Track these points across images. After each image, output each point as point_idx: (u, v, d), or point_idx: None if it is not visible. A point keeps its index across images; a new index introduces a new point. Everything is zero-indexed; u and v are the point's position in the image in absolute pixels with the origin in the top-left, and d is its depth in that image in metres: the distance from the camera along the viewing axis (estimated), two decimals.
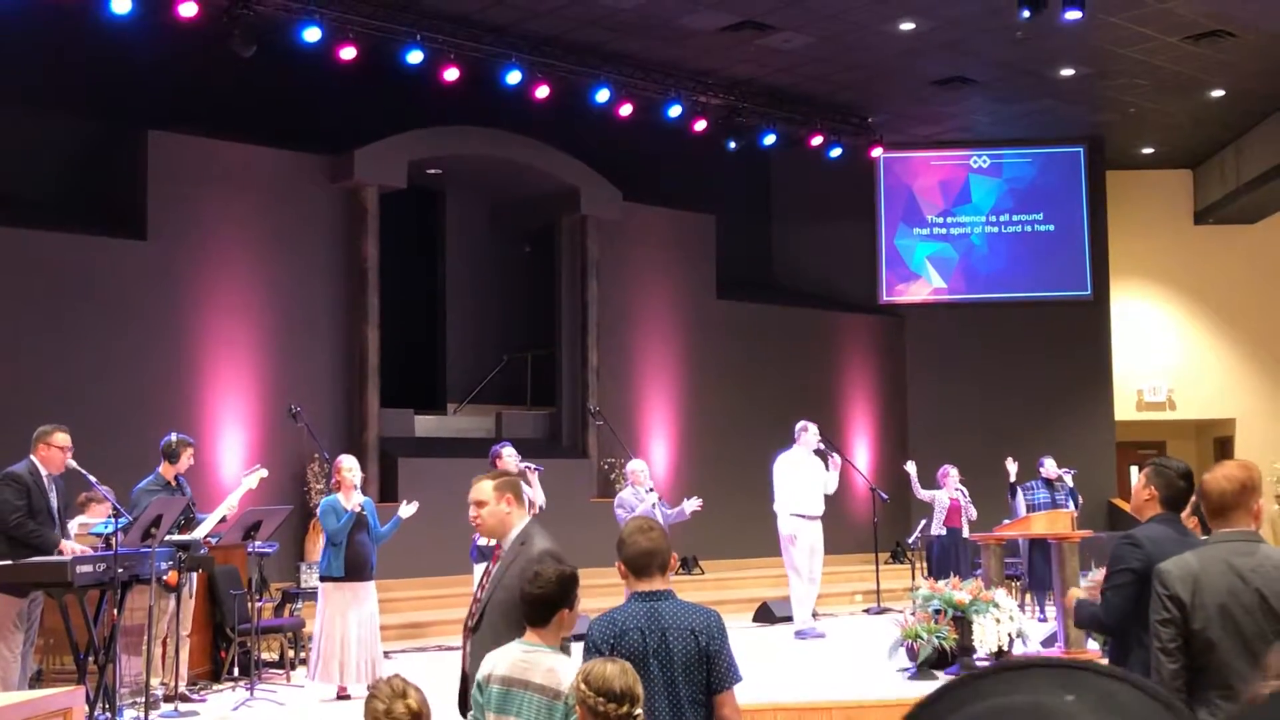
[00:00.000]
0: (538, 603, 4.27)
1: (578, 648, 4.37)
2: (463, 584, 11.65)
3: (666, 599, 4.18)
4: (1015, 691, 1.22)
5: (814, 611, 12.03)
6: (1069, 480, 13.26)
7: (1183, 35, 14.60)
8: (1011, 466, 13.33)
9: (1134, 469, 18.61)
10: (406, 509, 9.51)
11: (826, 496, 11.92)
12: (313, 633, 9.26)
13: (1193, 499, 4.93)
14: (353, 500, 9.11)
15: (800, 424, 11.89)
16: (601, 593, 13.19)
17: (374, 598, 9.20)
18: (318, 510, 9.52)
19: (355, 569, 9.03)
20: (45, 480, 7.87)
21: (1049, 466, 13.18)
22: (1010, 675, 1.24)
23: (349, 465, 9.34)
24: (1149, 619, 4.51)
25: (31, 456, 7.91)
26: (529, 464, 10.56)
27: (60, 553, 7.75)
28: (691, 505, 11.15)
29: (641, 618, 4.13)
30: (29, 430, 8.04)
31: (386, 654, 9.44)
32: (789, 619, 12.00)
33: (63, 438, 7.95)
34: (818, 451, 11.80)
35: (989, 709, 1.20)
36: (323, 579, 9.13)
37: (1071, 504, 12.84)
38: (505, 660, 4.29)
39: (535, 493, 10.46)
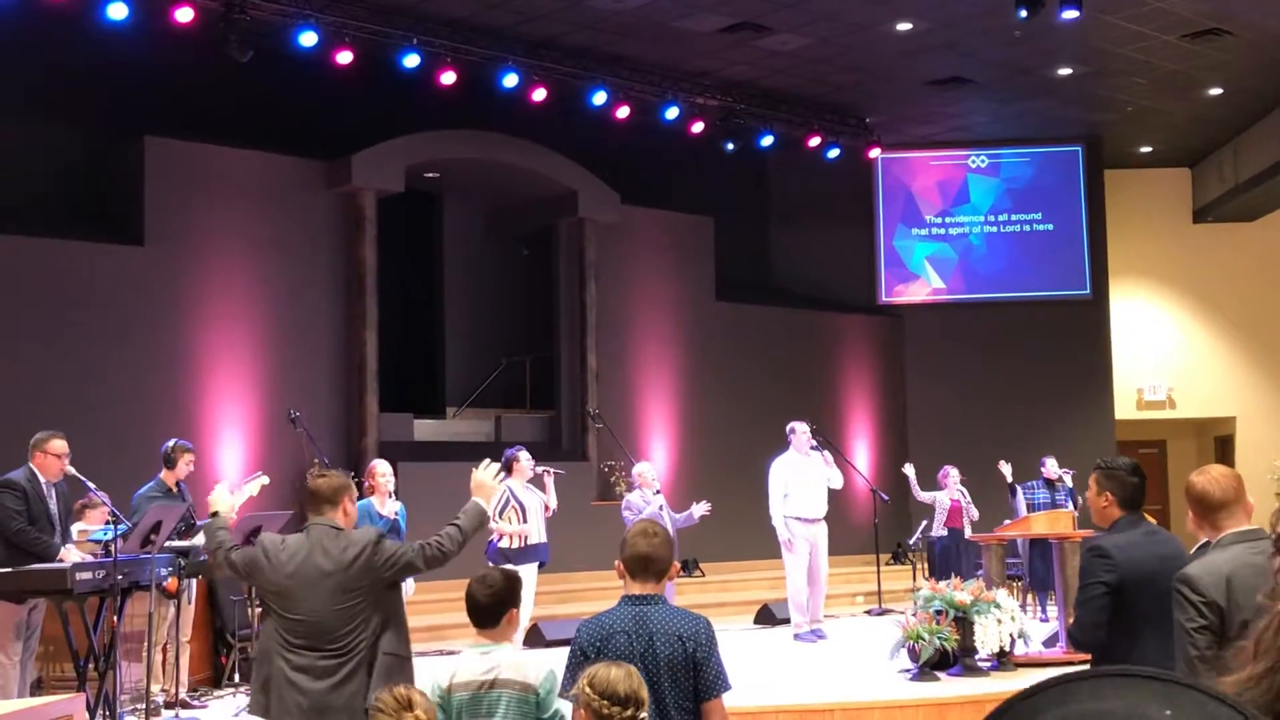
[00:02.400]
0: (490, 605, 4.32)
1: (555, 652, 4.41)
2: None
3: (656, 604, 4.14)
4: (1115, 699, 1.19)
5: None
6: (1069, 480, 13.26)
7: (1180, 34, 14.59)
8: (1005, 468, 13.32)
9: None
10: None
11: (833, 494, 11.85)
12: None
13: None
14: (388, 507, 9.10)
15: (789, 426, 11.82)
16: (603, 596, 13.16)
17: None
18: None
19: None
20: (44, 487, 7.85)
21: (1050, 466, 13.18)
22: (1113, 682, 1.22)
23: (384, 470, 9.32)
24: (1126, 629, 4.44)
25: (29, 464, 7.88)
26: (546, 467, 10.55)
27: (61, 560, 7.73)
28: (700, 510, 11.11)
29: (629, 621, 4.11)
30: (28, 437, 8.02)
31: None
32: (789, 621, 11.97)
33: (59, 444, 7.92)
34: (816, 449, 11.76)
35: (1086, 712, 1.18)
36: None
37: (1071, 504, 12.83)
38: (464, 666, 4.31)
39: (549, 496, 10.45)
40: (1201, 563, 3.93)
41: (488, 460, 5.26)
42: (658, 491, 11.19)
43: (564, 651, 4.25)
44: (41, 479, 7.85)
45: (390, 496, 9.21)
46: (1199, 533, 4.17)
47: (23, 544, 7.64)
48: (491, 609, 4.36)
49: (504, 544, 10.13)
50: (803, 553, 11.51)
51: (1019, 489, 13.19)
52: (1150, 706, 1.18)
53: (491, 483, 5.09)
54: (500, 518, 10.12)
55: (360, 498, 9.48)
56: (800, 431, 11.70)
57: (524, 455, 10.33)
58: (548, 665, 4.27)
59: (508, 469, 10.28)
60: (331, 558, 4.76)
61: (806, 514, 11.53)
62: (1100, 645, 4.52)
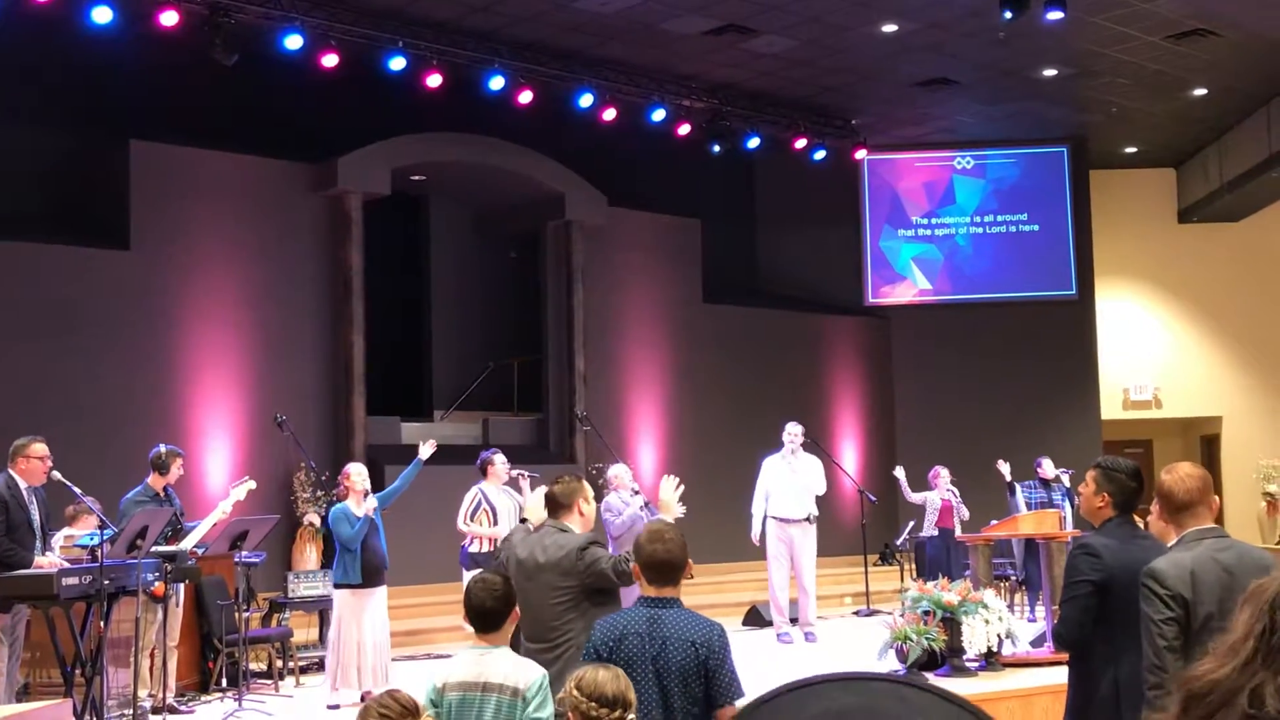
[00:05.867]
0: (493, 609, 4.32)
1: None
2: (453, 590, 11.60)
3: (671, 607, 4.19)
4: (849, 697, 1.25)
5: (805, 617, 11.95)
6: (1066, 480, 13.27)
7: (1165, 34, 14.63)
8: (1004, 467, 13.31)
9: None
10: (426, 449, 9.52)
11: (821, 495, 11.90)
12: (329, 640, 9.30)
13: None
14: (364, 506, 9.11)
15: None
16: None
17: (384, 603, 9.26)
18: (328, 519, 9.49)
19: (371, 574, 9.09)
20: (24, 494, 7.81)
21: (1046, 467, 13.20)
22: (844, 685, 1.27)
23: (357, 472, 9.35)
24: (1105, 628, 4.47)
25: (9, 471, 7.83)
26: (521, 470, 10.55)
27: (39, 568, 7.70)
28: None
29: (643, 623, 4.16)
30: (10, 443, 7.98)
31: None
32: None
33: (39, 448, 7.89)
34: (806, 447, 11.85)
35: (823, 712, 1.23)
36: (338, 586, 9.12)
37: (1067, 504, 12.84)
38: (460, 667, 4.29)
39: (526, 499, 10.44)
40: (1167, 558, 4.03)
41: (669, 476, 5.46)
42: (636, 492, 11.20)
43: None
44: (22, 486, 7.80)
45: (367, 495, 9.22)
46: (1166, 529, 4.23)
47: None
48: (495, 612, 4.33)
49: (474, 548, 10.14)
50: (777, 553, 11.58)
51: (1018, 487, 13.17)
52: (885, 702, 1.24)
53: (673, 500, 5.36)
54: (471, 521, 10.14)
55: (332, 503, 9.50)
56: (786, 431, 11.79)
57: (499, 458, 10.35)
58: (540, 672, 4.25)
59: (482, 471, 10.30)
60: (547, 555, 5.14)
61: (783, 514, 11.59)
62: (1083, 642, 4.55)
